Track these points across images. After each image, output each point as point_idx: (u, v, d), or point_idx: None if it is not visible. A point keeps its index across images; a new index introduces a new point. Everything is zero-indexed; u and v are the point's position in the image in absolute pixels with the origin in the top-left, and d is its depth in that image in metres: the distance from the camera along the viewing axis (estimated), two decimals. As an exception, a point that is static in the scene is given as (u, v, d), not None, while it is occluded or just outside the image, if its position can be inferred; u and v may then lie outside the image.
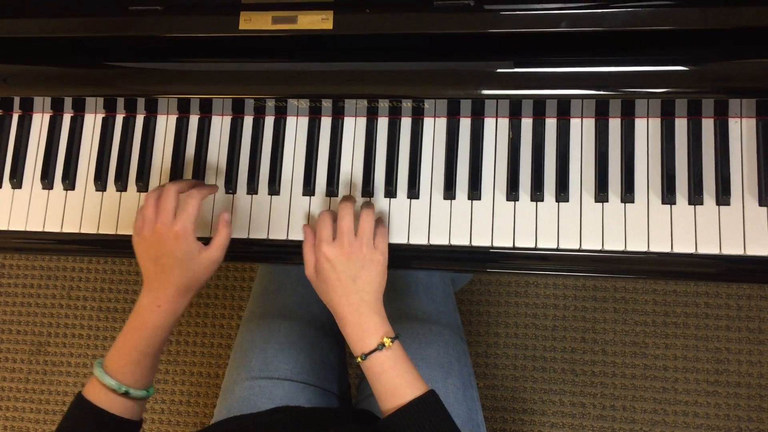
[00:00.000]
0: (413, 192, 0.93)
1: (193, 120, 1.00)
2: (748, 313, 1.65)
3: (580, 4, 0.80)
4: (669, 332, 1.66)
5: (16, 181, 1.01)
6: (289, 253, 0.95)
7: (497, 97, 0.88)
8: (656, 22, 0.79)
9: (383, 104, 0.92)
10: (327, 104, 0.94)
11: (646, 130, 0.91)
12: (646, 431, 1.64)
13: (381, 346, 0.81)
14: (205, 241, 0.88)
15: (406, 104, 0.92)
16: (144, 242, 0.86)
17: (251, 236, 0.96)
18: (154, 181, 0.99)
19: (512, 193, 0.91)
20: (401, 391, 0.80)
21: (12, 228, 1.01)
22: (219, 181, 0.98)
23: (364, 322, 0.82)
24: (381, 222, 0.91)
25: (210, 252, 0.87)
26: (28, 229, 1.01)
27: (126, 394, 0.83)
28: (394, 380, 0.80)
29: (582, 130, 0.92)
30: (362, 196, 0.95)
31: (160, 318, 0.85)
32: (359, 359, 0.82)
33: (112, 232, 0.99)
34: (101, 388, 0.83)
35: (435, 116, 0.95)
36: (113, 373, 0.83)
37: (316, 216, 0.95)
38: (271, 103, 0.95)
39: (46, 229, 1.00)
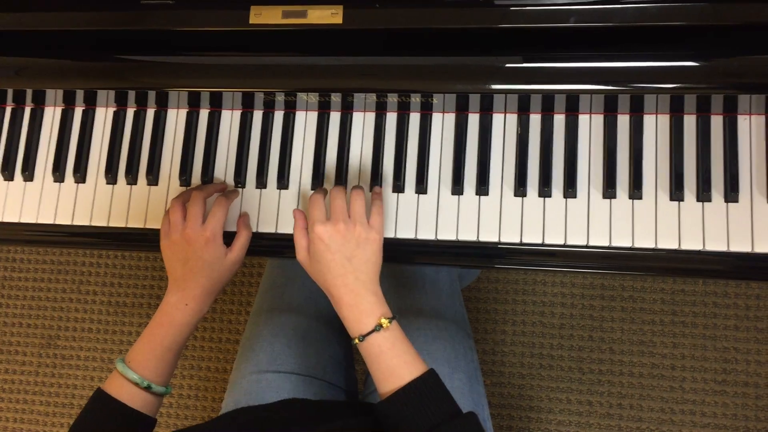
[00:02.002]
0: (421, 187, 0.94)
1: (203, 114, 1.00)
2: (756, 313, 1.64)
3: (589, 0, 0.80)
4: (677, 331, 1.66)
5: (28, 173, 1.02)
6: (297, 247, 0.95)
7: (506, 92, 0.88)
8: (666, 18, 0.79)
9: (392, 99, 0.93)
10: (336, 99, 0.94)
11: (655, 126, 0.91)
12: (653, 430, 1.64)
13: (378, 327, 0.80)
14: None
15: (415, 99, 0.92)
16: (173, 245, 0.89)
17: (260, 230, 0.97)
18: (164, 175, 1.00)
19: (520, 189, 0.92)
20: (400, 372, 0.78)
21: (23, 220, 1.02)
22: (228, 175, 0.98)
23: (360, 303, 0.81)
24: (378, 198, 0.90)
25: (234, 254, 0.91)
26: (40, 221, 1.02)
27: (148, 389, 0.85)
28: (393, 361, 0.79)
29: (590, 126, 0.92)
30: (371, 191, 0.95)
31: (187, 316, 0.88)
32: (356, 341, 0.81)
33: (122, 225, 0.99)
34: (123, 382, 0.84)
35: (444, 111, 0.95)
36: (136, 368, 0.85)
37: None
38: (280, 98, 0.95)
39: (58, 222, 1.01)
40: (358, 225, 0.84)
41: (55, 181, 1.02)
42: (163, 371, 0.87)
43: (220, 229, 0.89)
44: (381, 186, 0.95)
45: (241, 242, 0.92)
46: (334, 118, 0.97)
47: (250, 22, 0.85)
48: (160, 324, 0.87)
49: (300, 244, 0.88)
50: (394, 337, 0.80)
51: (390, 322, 0.81)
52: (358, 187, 0.88)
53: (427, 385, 0.78)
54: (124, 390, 0.84)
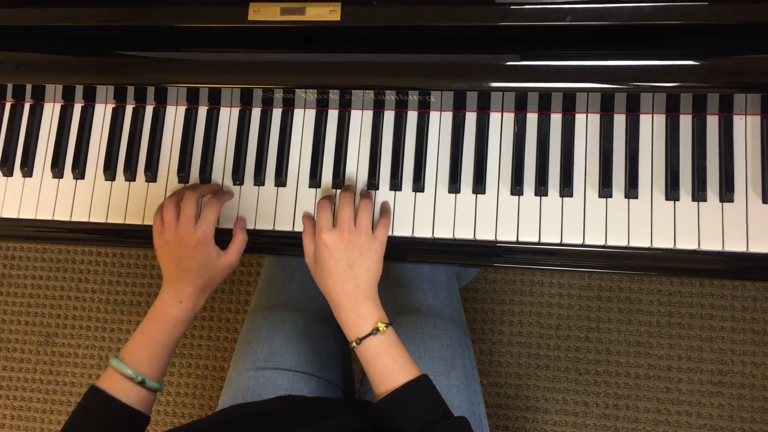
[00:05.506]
0: (418, 185, 0.94)
1: (202, 111, 1.01)
2: (753, 315, 1.64)
3: (587, -1, 0.81)
4: (673, 333, 1.66)
5: (27, 169, 1.03)
6: (295, 244, 0.96)
7: (504, 90, 0.88)
8: (662, 17, 0.79)
9: (390, 97, 0.93)
10: (334, 96, 0.95)
11: (651, 126, 0.91)
12: (649, 431, 1.64)
13: (375, 330, 0.83)
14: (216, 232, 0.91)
15: (413, 98, 0.93)
16: (166, 245, 0.90)
17: (257, 227, 0.97)
18: (162, 172, 1.00)
19: (516, 188, 0.92)
20: (394, 374, 0.81)
21: (22, 216, 1.02)
22: (226, 172, 0.99)
23: (359, 308, 0.84)
24: (386, 212, 0.93)
25: (228, 257, 0.92)
26: (38, 217, 1.02)
27: (142, 383, 0.85)
28: (388, 364, 0.82)
29: (587, 125, 0.93)
30: (368, 189, 0.95)
31: (181, 313, 0.89)
32: (353, 344, 0.84)
33: (121, 221, 1.00)
34: (118, 377, 0.85)
35: (441, 110, 0.95)
36: (131, 363, 0.86)
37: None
38: (278, 95, 0.95)
39: (56, 218, 1.01)
40: (363, 235, 0.87)
41: (53, 177, 1.02)
42: (157, 366, 0.87)
43: (212, 231, 0.90)
44: (379, 186, 0.95)
45: (236, 246, 0.93)
46: (332, 116, 0.98)
47: (249, 18, 0.85)
48: (155, 320, 0.89)
49: (308, 248, 0.90)
50: (390, 341, 0.83)
51: (386, 327, 0.84)
52: (367, 197, 0.91)
53: (421, 387, 0.81)
54: (119, 386, 0.84)
